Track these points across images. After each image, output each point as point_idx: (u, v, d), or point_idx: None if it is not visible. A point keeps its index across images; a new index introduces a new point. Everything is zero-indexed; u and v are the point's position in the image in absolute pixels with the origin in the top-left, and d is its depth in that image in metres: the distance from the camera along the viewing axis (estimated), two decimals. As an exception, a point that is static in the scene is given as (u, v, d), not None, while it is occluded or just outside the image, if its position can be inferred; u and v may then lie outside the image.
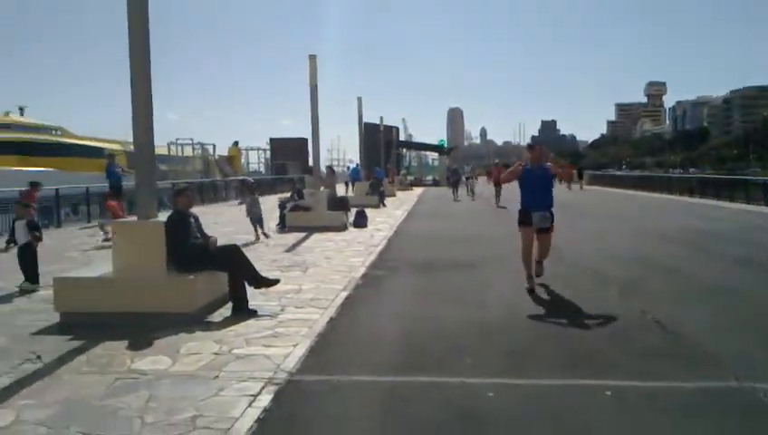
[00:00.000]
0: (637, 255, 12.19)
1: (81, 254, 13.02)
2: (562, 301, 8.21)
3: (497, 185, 26.83)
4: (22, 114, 49.42)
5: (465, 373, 5.27)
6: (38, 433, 4.08)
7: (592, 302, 7.96)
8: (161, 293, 7.19)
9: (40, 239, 9.60)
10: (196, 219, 8.19)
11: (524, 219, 8.86)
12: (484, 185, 45.87)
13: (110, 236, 15.74)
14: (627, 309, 7.55)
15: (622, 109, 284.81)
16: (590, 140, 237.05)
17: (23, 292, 8.90)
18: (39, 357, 5.76)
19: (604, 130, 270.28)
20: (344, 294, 8.60)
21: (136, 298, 7.14)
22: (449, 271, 10.67)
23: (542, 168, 8.95)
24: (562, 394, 4.82)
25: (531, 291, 8.57)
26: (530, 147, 9.56)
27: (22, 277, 9.16)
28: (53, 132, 45.82)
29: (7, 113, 47.44)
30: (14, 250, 9.82)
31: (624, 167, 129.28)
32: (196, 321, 7.03)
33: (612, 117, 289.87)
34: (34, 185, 14.69)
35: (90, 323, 6.85)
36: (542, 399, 4.73)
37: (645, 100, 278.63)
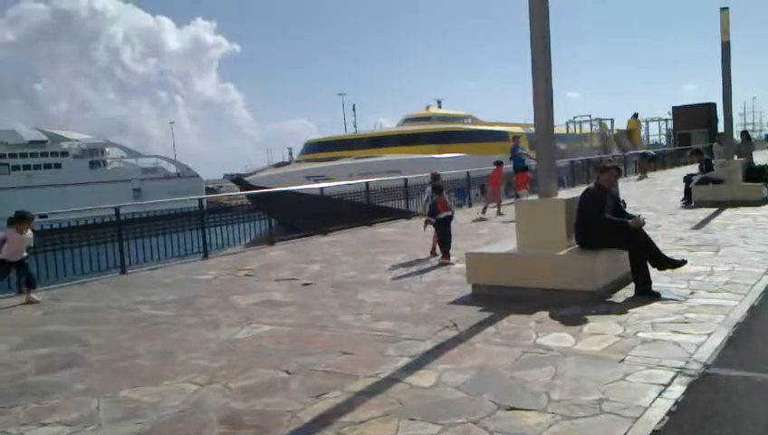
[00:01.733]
0: None
1: (489, 230, 14.06)
2: None
3: None
4: (439, 106, 55.87)
5: None
6: (456, 397, 4.50)
7: None
8: (563, 269, 7.24)
9: (431, 222, 10.83)
10: (614, 197, 7.90)
11: None
12: None
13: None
14: None
15: None
16: None
17: (441, 264, 10.04)
18: (455, 325, 6.38)
19: None
20: (767, 279, 7.39)
21: (538, 274, 7.35)
22: None
23: None
24: None
25: None
26: None
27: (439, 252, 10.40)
28: (465, 121, 50.52)
29: (427, 107, 54.16)
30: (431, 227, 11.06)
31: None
32: (597, 300, 6.90)
33: None
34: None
35: (497, 295, 7.33)
36: None
37: None
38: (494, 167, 18.55)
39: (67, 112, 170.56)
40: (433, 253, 10.94)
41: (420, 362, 5.33)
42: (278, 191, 19.77)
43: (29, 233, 9.24)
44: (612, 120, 60.19)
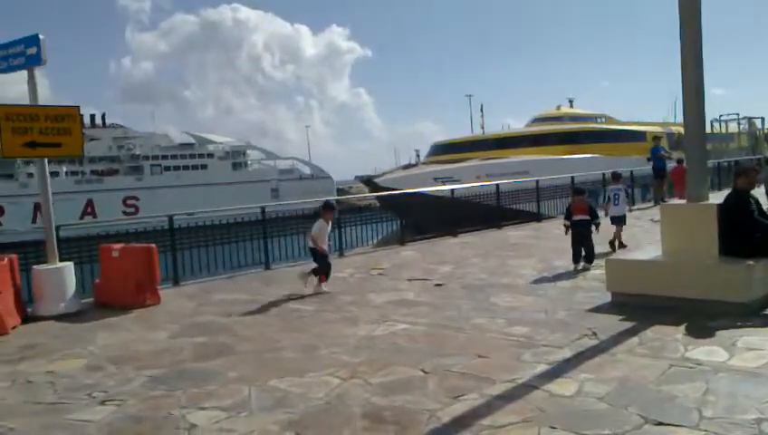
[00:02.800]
0: None
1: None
2: None
3: None
4: (571, 106, 54.05)
5: None
6: (599, 408, 4.38)
7: None
8: (713, 279, 6.80)
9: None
10: (757, 202, 7.38)
11: None
12: None
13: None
14: None
15: None
16: None
17: (578, 270, 9.73)
18: (594, 334, 6.18)
19: None
20: None
21: (686, 283, 6.94)
22: None
23: None
24: None
25: None
26: None
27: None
28: (598, 120, 48.48)
29: (558, 107, 52.55)
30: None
31: None
32: (751, 312, 6.42)
33: None
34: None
35: (639, 304, 7.00)
36: None
37: None
38: (675, 165, 18.17)
39: (213, 117, 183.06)
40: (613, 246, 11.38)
41: (559, 369, 5.23)
42: (407, 193, 20.08)
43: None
44: (763, 119, 55.30)
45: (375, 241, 15.97)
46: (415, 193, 20.68)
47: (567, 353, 5.65)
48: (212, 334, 7.19)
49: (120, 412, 4.88)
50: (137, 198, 59.37)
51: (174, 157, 66.59)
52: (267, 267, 12.15)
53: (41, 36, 8.33)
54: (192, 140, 70.21)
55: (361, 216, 16.27)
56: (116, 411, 4.90)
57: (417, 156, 70.10)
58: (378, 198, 23.99)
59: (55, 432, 4.57)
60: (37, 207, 52.62)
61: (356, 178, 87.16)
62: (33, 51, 8.38)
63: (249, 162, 73.26)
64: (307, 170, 74.29)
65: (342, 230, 13.80)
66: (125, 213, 57.12)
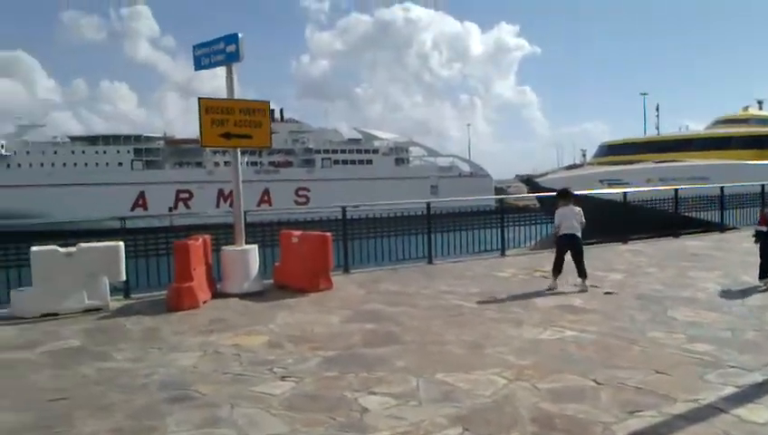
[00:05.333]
0: None
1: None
2: None
3: None
4: (760, 107, 48.88)
5: None
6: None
7: None
8: None
9: None
10: None
11: None
12: None
13: None
14: None
15: None
16: None
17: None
18: (794, 359, 5.57)
19: None
20: None
21: None
22: None
23: None
24: None
25: None
26: None
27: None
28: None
29: (745, 108, 47.73)
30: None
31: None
32: None
33: None
34: None
35: None
36: None
37: None
38: None
39: (380, 113, 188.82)
40: None
41: (749, 394, 4.79)
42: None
43: (571, 208, 9.68)
44: None
45: (533, 242, 15.57)
46: (579, 195, 19.81)
47: (758, 378, 5.16)
48: (380, 322, 7.46)
49: (298, 389, 5.23)
50: (308, 189, 63.12)
51: (343, 151, 69.78)
52: (430, 262, 12.34)
53: (239, 35, 9.10)
54: (360, 136, 73.06)
55: (520, 216, 15.89)
56: (294, 388, 5.26)
57: (584, 156, 67.31)
58: (538, 198, 23.27)
59: (241, 402, 4.98)
60: (221, 192, 58.35)
61: (516, 177, 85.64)
62: (232, 48, 9.17)
63: (411, 159, 74.72)
64: (466, 168, 74.27)
65: (503, 230, 13.63)
66: (296, 202, 61.06)
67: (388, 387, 5.19)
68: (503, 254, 13.26)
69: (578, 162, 63.06)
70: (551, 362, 5.77)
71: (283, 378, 5.52)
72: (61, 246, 8.47)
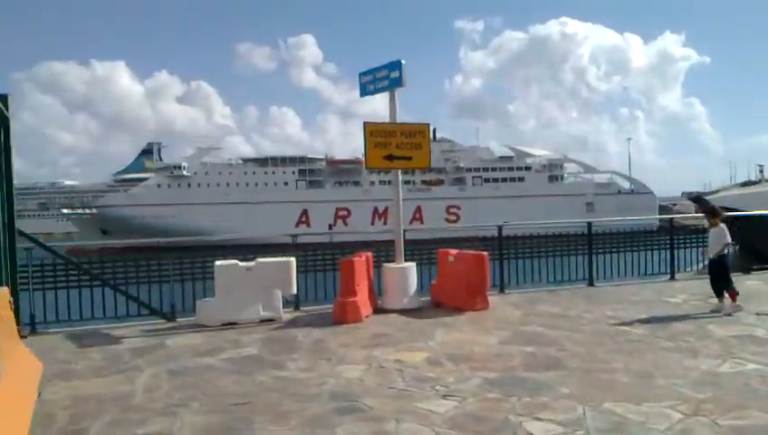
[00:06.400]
0: None
1: None
2: None
3: None
4: None
5: None
6: None
7: None
8: None
9: None
10: None
11: None
12: None
13: None
14: None
15: None
16: None
17: None
18: None
19: None
20: None
21: None
22: None
23: None
24: None
25: None
26: None
27: None
28: None
29: None
30: None
31: None
32: None
33: None
34: None
35: None
36: None
37: None
38: None
39: (533, 130, 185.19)
40: None
41: None
42: (746, 215, 17.61)
43: (721, 227, 9.33)
44: None
45: (701, 265, 14.36)
46: (759, 215, 18.05)
47: None
48: (540, 345, 7.31)
49: (460, 408, 5.28)
50: (458, 207, 63.38)
51: (494, 169, 69.29)
52: (591, 284, 11.88)
53: (402, 61, 9.47)
54: (511, 153, 72.13)
55: (689, 237, 14.74)
56: (457, 407, 5.32)
57: (761, 171, 61.35)
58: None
59: (406, 417, 5.13)
60: (375, 211, 60.41)
61: (683, 194, 79.80)
62: (395, 74, 9.57)
63: (565, 175, 72.39)
64: (626, 185, 70.53)
65: (673, 252, 12.76)
66: (447, 220, 61.47)
67: (553, 413, 5.08)
68: (672, 277, 12.44)
69: (754, 178, 57.47)
70: (732, 396, 5.34)
71: (444, 396, 5.61)
72: (240, 260, 9.24)
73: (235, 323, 8.85)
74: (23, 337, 7.43)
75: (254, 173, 66.67)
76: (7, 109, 8.03)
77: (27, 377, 6.04)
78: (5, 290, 6.60)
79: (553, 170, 70.84)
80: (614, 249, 12.56)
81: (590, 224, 12.33)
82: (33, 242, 9.01)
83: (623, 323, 8.44)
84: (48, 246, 9.42)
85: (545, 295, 10.90)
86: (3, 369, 5.04)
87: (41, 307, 8.99)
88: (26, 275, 8.83)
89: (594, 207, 62.81)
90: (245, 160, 70.17)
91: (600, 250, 12.34)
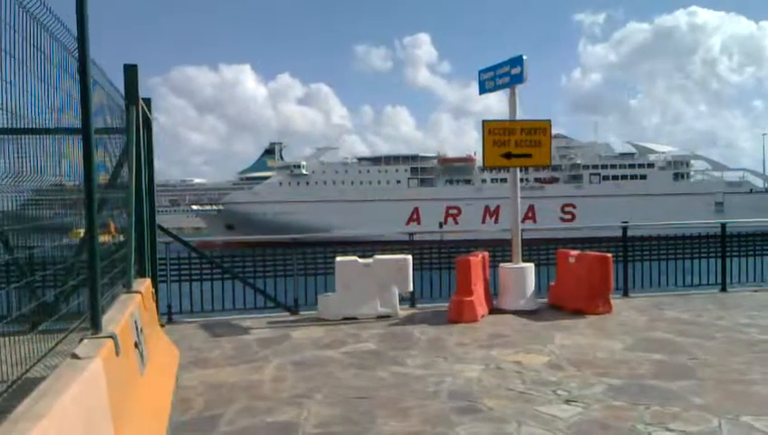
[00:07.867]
0: None
1: None
2: None
3: None
4: None
5: None
6: None
7: None
8: None
9: None
10: None
11: None
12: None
13: None
14: None
15: None
16: None
17: None
18: None
19: None
20: None
21: None
22: None
23: None
24: None
25: None
26: None
27: None
28: None
29: None
30: None
31: None
32: None
33: None
34: None
35: None
36: None
37: None
38: None
39: (657, 125, 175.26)
40: None
41: None
42: None
43: None
44: None
45: None
46: None
47: None
48: (669, 353, 6.96)
49: (585, 415, 5.14)
50: (574, 206, 61.22)
51: (613, 166, 66.31)
52: (723, 289, 11.13)
53: (524, 57, 9.26)
54: (633, 150, 68.71)
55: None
56: (582, 413, 5.18)
57: None
58: None
59: (527, 420, 5.05)
60: (486, 209, 59.69)
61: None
62: (517, 70, 9.37)
63: (692, 173, 68.00)
64: (760, 183, 65.21)
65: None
66: (562, 219, 59.60)
67: (684, 425, 4.84)
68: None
69: None
70: None
71: (567, 401, 5.48)
72: (359, 257, 9.49)
73: (354, 318, 9.09)
74: (161, 326, 8.03)
75: (368, 172, 67.92)
76: (150, 111, 8.69)
77: (168, 363, 6.56)
78: (149, 282, 7.18)
79: (679, 168, 66.68)
80: (750, 252, 11.68)
81: (723, 225, 11.54)
82: (172, 237, 9.70)
83: (762, 332, 7.86)
84: (187, 242, 10.11)
85: (673, 300, 10.33)
86: (149, 355, 5.50)
87: (177, 298, 9.68)
88: (164, 268, 9.53)
89: (724, 207, 58.63)
90: (360, 159, 71.68)
91: (735, 253, 11.53)
